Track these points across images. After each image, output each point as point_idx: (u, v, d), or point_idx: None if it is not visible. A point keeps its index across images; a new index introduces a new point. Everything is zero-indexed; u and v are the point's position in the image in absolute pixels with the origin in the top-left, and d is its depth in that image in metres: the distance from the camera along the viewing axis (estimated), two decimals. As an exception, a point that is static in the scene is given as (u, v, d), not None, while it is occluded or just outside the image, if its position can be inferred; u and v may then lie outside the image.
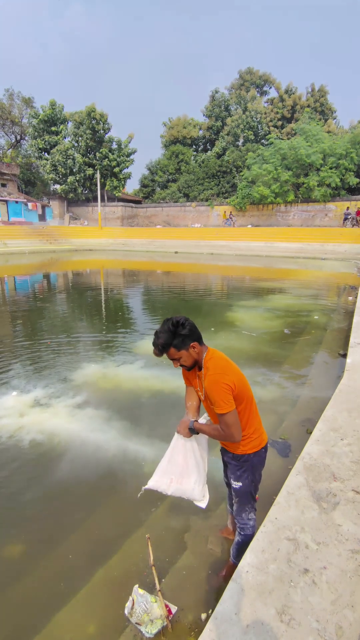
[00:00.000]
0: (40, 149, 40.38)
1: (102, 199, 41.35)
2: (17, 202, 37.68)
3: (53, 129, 39.71)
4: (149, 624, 1.95)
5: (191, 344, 1.86)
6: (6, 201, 36.75)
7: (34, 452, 3.57)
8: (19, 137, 46.70)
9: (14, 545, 2.56)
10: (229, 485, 2.28)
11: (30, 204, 38.87)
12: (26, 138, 45.40)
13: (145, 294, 14.11)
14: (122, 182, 42.08)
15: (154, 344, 1.86)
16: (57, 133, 40.05)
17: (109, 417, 4.22)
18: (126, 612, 2.03)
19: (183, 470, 2.11)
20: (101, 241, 36.62)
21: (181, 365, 1.95)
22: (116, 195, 42.07)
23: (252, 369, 5.75)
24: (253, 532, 2.15)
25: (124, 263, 25.76)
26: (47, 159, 39.61)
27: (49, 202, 42.43)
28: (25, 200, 38.61)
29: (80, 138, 40.04)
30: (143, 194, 47.85)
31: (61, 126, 40.12)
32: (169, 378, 5.26)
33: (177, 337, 1.82)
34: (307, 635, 1.60)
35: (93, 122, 38.92)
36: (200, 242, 33.69)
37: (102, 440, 3.75)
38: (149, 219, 42.70)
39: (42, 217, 40.77)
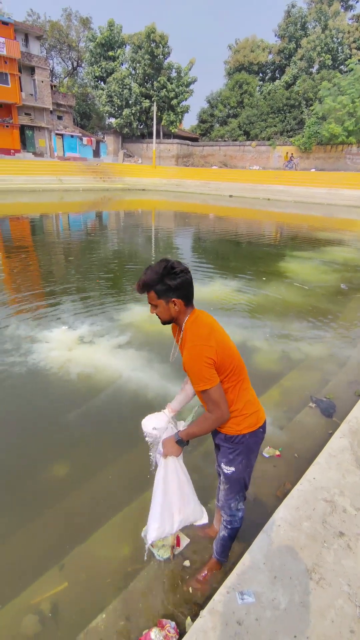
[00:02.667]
0: (96, 77, 38.42)
1: (158, 135, 39.37)
2: (72, 136, 37.02)
3: (110, 53, 37.24)
4: (161, 548, 2.07)
5: (173, 299, 1.55)
6: (62, 135, 36.22)
7: (81, 384, 3.75)
8: (75, 64, 44.64)
9: (60, 465, 2.76)
10: (219, 474, 1.95)
11: (85, 139, 38.06)
12: (82, 65, 43.27)
13: (196, 238, 13.70)
14: (180, 117, 39.49)
15: (139, 279, 1.57)
16: (114, 59, 37.60)
17: (151, 359, 4.27)
18: (142, 534, 2.13)
19: (181, 500, 1.82)
20: (154, 181, 35.51)
21: (156, 315, 1.65)
22: (172, 131, 39.79)
23: (300, 322, 5.47)
24: (241, 525, 1.93)
25: (176, 205, 24.99)
26: (103, 89, 37.79)
27: (103, 137, 41.24)
28: (80, 135, 37.81)
29: (138, 64, 37.40)
30: (200, 131, 44.83)
31: (119, 50, 37.48)
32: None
33: (162, 284, 1.53)
34: (336, 596, 1.58)
35: (152, 45, 35.89)
36: (257, 186, 31.54)
37: (144, 380, 3.84)
38: (204, 159, 40.34)
39: (96, 153, 39.99)
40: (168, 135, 41.46)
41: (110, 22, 36.70)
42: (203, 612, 1.54)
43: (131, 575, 2.02)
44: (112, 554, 2.16)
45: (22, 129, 33.54)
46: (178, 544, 2.13)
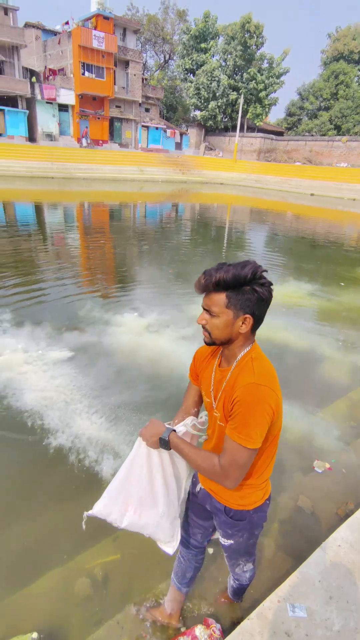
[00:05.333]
0: (186, 69, 38.73)
1: (241, 128, 38.65)
2: (157, 128, 37.90)
3: (202, 45, 37.21)
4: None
5: (248, 314, 1.17)
6: (148, 127, 37.27)
7: (149, 368, 3.88)
8: (167, 57, 45.43)
9: (126, 425, 2.88)
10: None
11: (169, 131, 38.74)
12: (174, 58, 43.89)
13: (271, 236, 13.30)
14: (267, 110, 38.33)
15: (208, 272, 1.16)
16: (205, 50, 37.52)
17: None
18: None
19: (145, 496, 1.45)
20: (233, 175, 35.04)
21: (204, 329, 1.23)
22: (257, 124, 38.79)
23: (381, 337, 5.06)
24: (250, 581, 1.70)
25: (254, 201, 24.45)
26: (191, 81, 38.02)
27: (187, 130, 41.62)
28: (165, 127, 38.57)
29: (229, 56, 36.92)
30: (287, 124, 43.08)
31: (211, 42, 37.29)
32: (281, 328, 5.00)
33: (241, 291, 1.14)
34: None
35: (246, 35, 35.10)
36: (343, 185, 29.54)
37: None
38: (288, 154, 38.75)
39: (178, 145, 40.53)
40: (252, 128, 40.51)
41: (206, 13, 36.58)
42: (251, 615, 1.52)
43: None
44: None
45: (112, 120, 35.13)
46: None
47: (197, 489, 1.52)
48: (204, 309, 1.20)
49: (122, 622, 1.78)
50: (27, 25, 33.03)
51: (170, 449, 1.32)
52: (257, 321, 1.20)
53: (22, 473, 2.63)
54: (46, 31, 34.37)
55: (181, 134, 40.78)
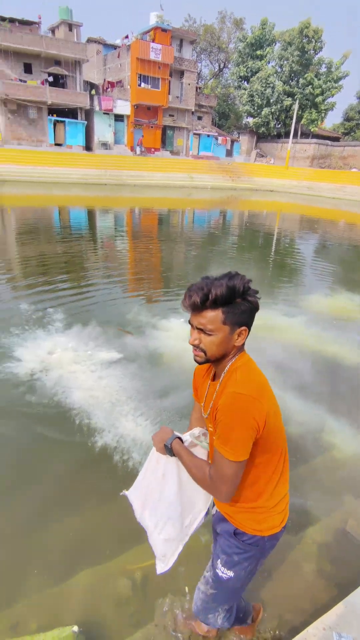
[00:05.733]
0: (240, 77, 38.75)
1: (295, 135, 37.85)
2: (208, 135, 38.19)
3: (258, 52, 37.04)
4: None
5: (242, 327, 1.13)
6: (199, 135, 37.67)
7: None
8: (222, 65, 45.76)
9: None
10: (209, 569, 1.46)
11: (220, 139, 38.89)
12: (229, 66, 44.11)
13: (321, 245, 12.85)
14: (322, 115, 37.23)
15: (197, 288, 1.10)
16: (261, 57, 37.31)
17: (263, 363, 4.17)
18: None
19: (150, 499, 1.43)
20: (284, 182, 34.36)
21: (197, 349, 1.16)
22: (311, 130, 37.79)
23: None
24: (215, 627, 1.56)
25: (305, 208, 23.79)
26: (245, 89, 37.96)
27: (238, 137, 41.54)
28: (216, 134, 38.77)
29: (285, 62, 36.41)
30: (344, 129, 41.58)
31: (267, 49, 37.03)
32: (331, 341, 4.80)
33: (237, 305, 1.10)
34: None
35: (304, 40, 34.44)
36: None
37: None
38: (344, 160, 37.29)
39: (229, 153, 40.54)
40: (306, 134, 39.53)
41: (263, 20, 36.42)
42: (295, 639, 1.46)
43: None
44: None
45: (164, 129, 35.94)
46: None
47: (213, 511, 1.45)
48: (197, 327, 1.13)
49: (159, 628, 1.78)
50: (90, 40, 34.81)
51: (173, 456, 1.31)
52: (249, 331, 1.17)
53: (69, 469, 2.73)
54: (107, 45, 36.05)
55: (232, 141, 40.77)
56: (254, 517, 1.25)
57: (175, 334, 4.74)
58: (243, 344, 1.19)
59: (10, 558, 2.12)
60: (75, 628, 1.76)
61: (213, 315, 1.09)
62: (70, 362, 3.90)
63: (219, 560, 1.35)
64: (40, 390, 3.45)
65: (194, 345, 1.16)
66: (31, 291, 6.09)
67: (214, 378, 1.25)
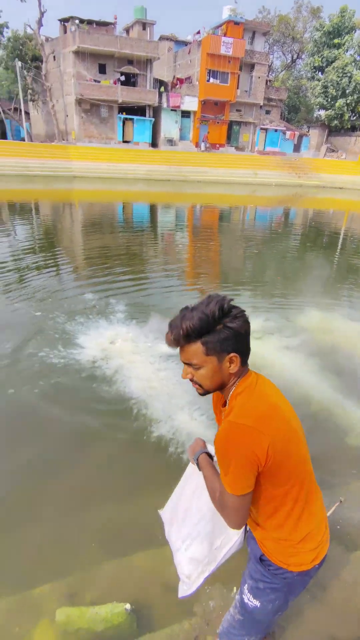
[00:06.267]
0: (314, 67, 36.97)
1: (371, 127, 35.35)
2: (276, 130, 37.03)
3: (336, 41, 35.00)
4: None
5: (231, 353, 1.05)
6: (266, 129, 36.67)
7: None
8: (295, 56, 44.00)
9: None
10: (239, 593, 1.33)
11: (288, 133, 37.52)
12: (302, 57, 42.30)
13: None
14: None
15: (172, 325, 1.06)
16: (338, 46, 35.23)
17: (323, 367, 4.00)
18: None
19: (180, 513, 1.36)
20: (355, 179, 32.27)
21: (194, 382, 1.11)
22: (390, 122, 35.05)
23: None
24: None
25: (376, 207, 22.17)
26: (319, 79, 36.14)
27: (308, 131, 39.75)
28: (284, 129, 37.47)
29: (365, 50, 34.06)
30: None
31: (346, 37, 34.85)
32: None
33: (215, 332, 1.02)
34: None
35: (388, 25, 31.92)
36: None
37: (311, 385, 3.64)
38: None
39: (296, 148, 38.99)
40: (384, 127, 36.74)
41: (342, 8, 34.35)
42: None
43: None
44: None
45: (230, 124, 35.49)
46: None
47: (248, 527, 1.34)
48: (185, 363, 1.08)
49: (207, 621, 1.80)
50: (161, 38, 35.39)
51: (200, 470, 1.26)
52: (244, 353, 1.08)
53: (128, 455, 2.84)
54: (178, 42, 36.39)
55: (301, 136, 39.13)
56: (280, 549, 1.14)
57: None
58: (244, 367, 1.11)
59: (71, 530, 2.27)
60: (128, 606, 1.83)
61: (194, 349, 1.04)
62: (130, 353, 4.04)
63: (246, 585, 1.26)
64: (101, 377, 3.62)
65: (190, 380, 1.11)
66: (95, 281, 6.41)
67: (225, 403, 1.18)
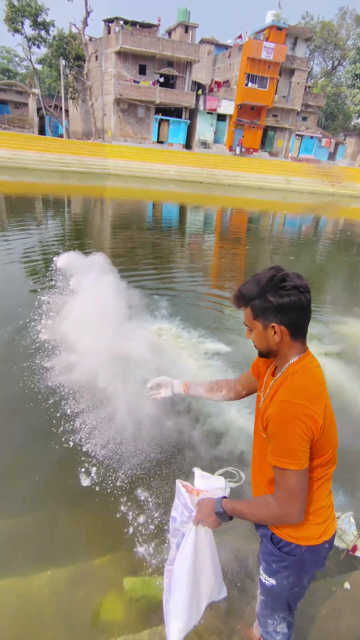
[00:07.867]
0: (356, 75, 36.32)
1: None
2: (311, 137, 36.62)
3: (379, 49, 34.37)
4: None
5: (273, 323, 1.11)
6: (302, 136, 36.31)
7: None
8: (336, 63, 43.38)
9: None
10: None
11: (324, 140, 37.03)
12: (344, 64, 41.65)
13: None
14: None
15: (238, 289, 1.19)
16: (382, 55, 34.55)
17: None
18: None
19: (209, 576, 1.45)
20: (390, 190, 31.57)
21: (252, 341, 1.23)
22: None
23: None
24: None
25: None
26: (359, 88, 35.51)
27: (344, 139, 39.10)
28: (320, 136, 37.00)
29: None
30: None
31: (390, 45, 34.17)
32: None
33: (262, 299, 1.10)
34: None
35: None
36: None
37: (356, 391, 3.68)
38: None
39: (331, 156, 38.42)
40: None
41: (390, 14, 33.64)
42: None
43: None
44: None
45: (265, 129, 35.33)
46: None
47: None
48: (244, 322, 1.22)
49: (213, 624, 1.89)
50: (202, 41, 35.60)
51: (230, 519, 1.25)
52: (295, 327, 1.12)
53: (182, 444, 2.91)
54: (218, 46, 36.51)
55: (337, 144, 38.54)
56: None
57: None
58: (298, 342, 1.15)
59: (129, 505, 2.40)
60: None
61: (246, 312, 1.18)
62: (176, 348, 4.18)
63: (261, 566, 1.35)
64: (150, 369, 3.75)
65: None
66: (139, 277, 6.59)
67: (274, 372, 1.23)
